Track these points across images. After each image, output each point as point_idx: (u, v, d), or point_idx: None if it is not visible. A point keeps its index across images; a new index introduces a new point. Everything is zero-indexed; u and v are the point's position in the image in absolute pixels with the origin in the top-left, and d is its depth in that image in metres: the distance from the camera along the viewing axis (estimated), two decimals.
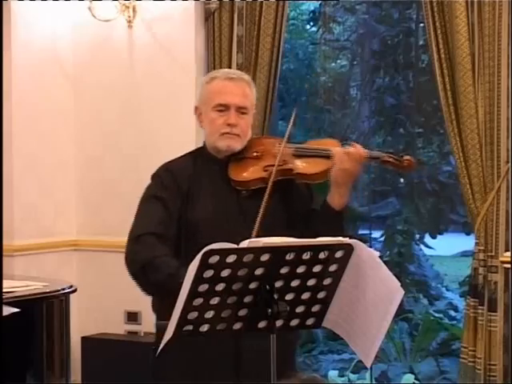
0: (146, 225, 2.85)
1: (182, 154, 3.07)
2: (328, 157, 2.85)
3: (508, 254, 4.17)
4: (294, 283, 2.37)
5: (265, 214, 2.74)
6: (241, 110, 2.92)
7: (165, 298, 2.77)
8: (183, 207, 2.86)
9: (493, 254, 4.27)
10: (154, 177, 2.98)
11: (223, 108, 2.90)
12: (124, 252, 2.87)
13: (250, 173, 2.89)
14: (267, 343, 2.35)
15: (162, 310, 2.90)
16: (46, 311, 3.76)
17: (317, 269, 2.37)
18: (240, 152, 2.93)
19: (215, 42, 4.83)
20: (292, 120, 2.95)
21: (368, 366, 2.48)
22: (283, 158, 2.87)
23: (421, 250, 7.56)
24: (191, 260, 2.51)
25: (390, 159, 2.88)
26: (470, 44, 4.26)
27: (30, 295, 3.74)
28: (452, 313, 7.05)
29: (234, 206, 2.88)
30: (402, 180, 7.53)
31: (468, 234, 5.63)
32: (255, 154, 2.93)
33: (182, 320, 2.29)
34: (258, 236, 2.65)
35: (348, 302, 2.44)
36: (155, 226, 2.83)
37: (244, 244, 2.31)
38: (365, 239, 6.57)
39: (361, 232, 7.34)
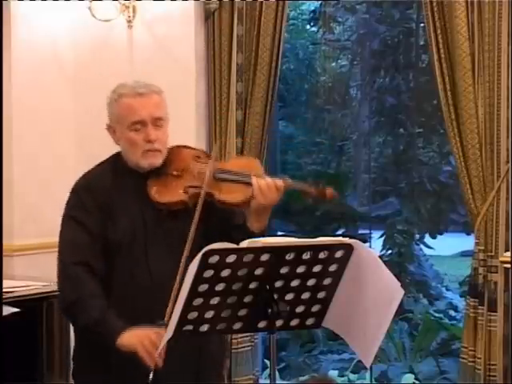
0: (73, 253, 2.79)
1: None
2: (247, 184, 2.79)
3: (508, 253, 4.17)
4: (294, 283, 2.37)
5: (192, 239, 2.67)
6: (157, 123, 2.83)
7: (92, 339, 2.76)
8: (103, 225, 2.80)
9: (493, 254, 4.27)
10: (74, 195, 2.89)
11: (139, 126, 2.82)
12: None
13: (170, 195, 2.81)
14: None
15: (81, 361, 2.92)
16: (46, 311, 3.77)
17: (317, 269, 2.37)
18: (160, 167, 2.85)
19: (215, 42, 4.83)
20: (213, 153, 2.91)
21: (368, 365, 2.48)
22: (204, 179, 2.79)
23: (421, 249, 7.56)
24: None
25: (311, 190, 2.81)
26: (469, 44, 4.25)
27: (30, 295, 3.75)
28: (452, 313, 7.06)
29: (154, 224, 2.82)
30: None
31: (468, 234, 5.62)
32: (175, 172, 2.86)
33: (182, 320, 2.29)
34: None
35: (348, 302, 2.44)
36: (82, 255, 2.77)
37: (244, 244, 2.31)
38: (365, 239, 6.57)
39: (361, 232, 7.34)
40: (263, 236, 2.80)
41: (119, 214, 2.82)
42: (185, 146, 2.98)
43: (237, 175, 2.84)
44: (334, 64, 7.97)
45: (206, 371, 2.86)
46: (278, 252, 2.31)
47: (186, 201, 2.79)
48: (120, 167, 2.91)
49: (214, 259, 2.23)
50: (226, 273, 2.27)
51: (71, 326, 3.20)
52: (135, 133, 2.83)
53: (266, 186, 2.76)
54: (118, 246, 2.79)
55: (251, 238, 2.72)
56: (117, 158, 2.94)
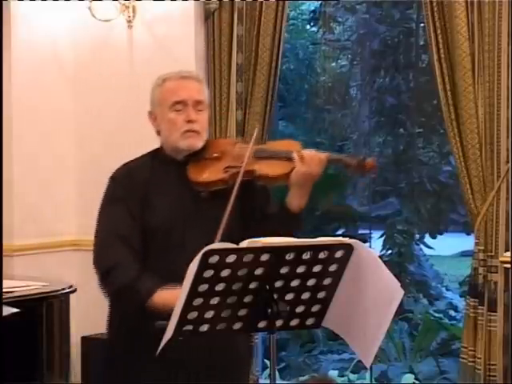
0: (113, 228, 2.83)
1: None
2: (288, 159, 2.82)
3: (508, 253, 4.17)
4: (294, 283, 2.36)
5: (229, 219, 2.70)
6: (198, 107, 2.88)
7: (119, 309, 2.84)
8: (142, 212, 2.84)
9: (493, 253, 4.27)
10: (114, 180, 2.94)
11: (180, 106, 2.86)
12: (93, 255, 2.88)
13: (210, 174, 2.85)
14: None
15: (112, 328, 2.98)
16: (46, 311, 3.77)
17: (317, 269, 2.37)
18: (198, 153, 2.89)
19: (215, 42, 4.84)
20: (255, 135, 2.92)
21: (368, 365, 2.48)
22: (243, 159, 2.82)
23: (421, 249, 7.56)
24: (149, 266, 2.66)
25: (353, 162, 2.83)
26: (469, 44, 4.25)
27: (30, 295, 3.74)
28: (452, 313, 7.06)
29: (193, 209, 2.85)
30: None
31: (468, 234, 5.63)
32: (215, 154, 2.89)
33: (182, 320, 2.29)
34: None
35: (348, 302, 2.44)
36: (121, 229, 2.82)
37: (244, 244, 2.31)
38: (365, 239, 6.58)
39: (361, 232, 7.34)
40: (301, 216, 2.85)
41: (157, 200, 2.86)
42: (219, 138, 3.00)
43: (277, 152, 2.87)
44: (334, 64, 7.98)
45: (233, 368, 2.90)
46: (278, 252, 2.31)
47: (225, 179, 2.82)
48: (159, 157, 2.94)
49: (214, 259, 2.23)
50: (225, 273, 2.27)
51: (73, 331, 3.20)
52: (176, 113, 2.87)
53: (309, 156, 2.79)
54: (156, 232, 2.83)
55: (290, 219, 2.84)
56: (155, 150, 2.98)
